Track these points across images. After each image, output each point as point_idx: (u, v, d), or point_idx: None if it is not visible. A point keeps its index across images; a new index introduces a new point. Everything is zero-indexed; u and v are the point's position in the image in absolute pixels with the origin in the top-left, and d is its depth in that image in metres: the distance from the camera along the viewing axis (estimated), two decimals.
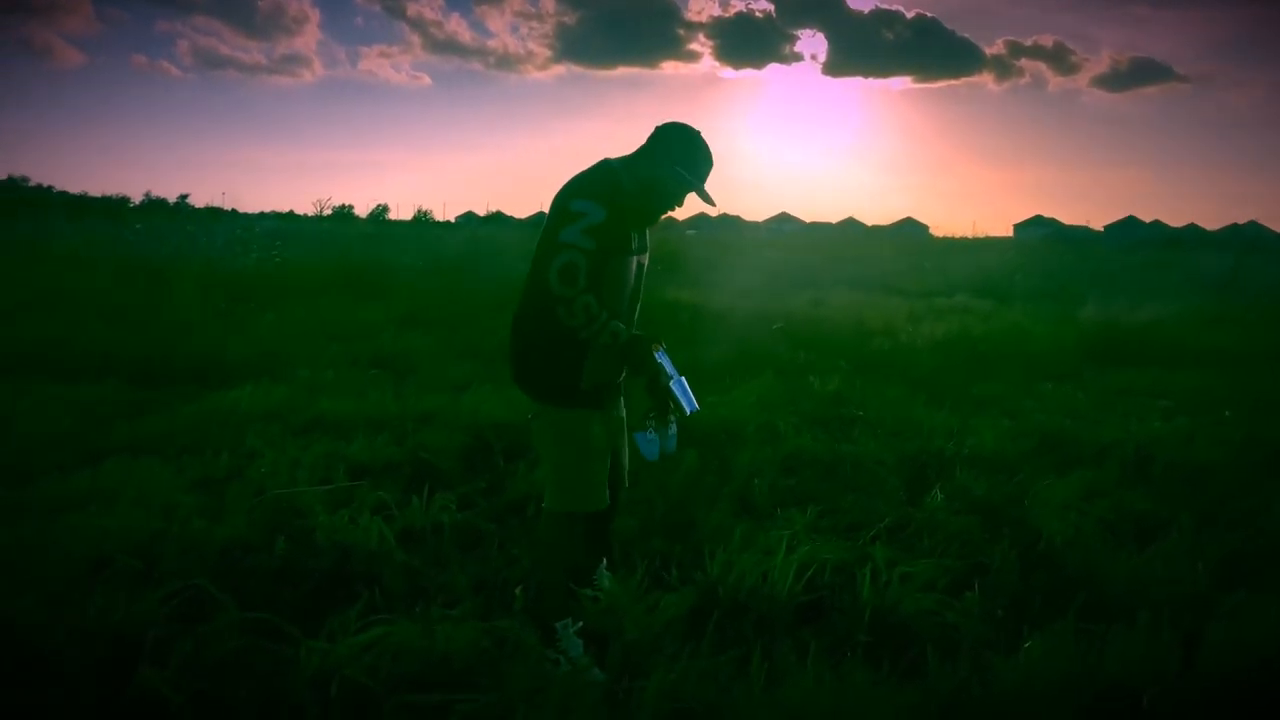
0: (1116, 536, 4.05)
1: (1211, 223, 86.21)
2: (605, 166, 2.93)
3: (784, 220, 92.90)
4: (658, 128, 2.95)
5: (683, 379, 3.00)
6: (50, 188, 70.71)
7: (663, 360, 2.98)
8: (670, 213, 3.04)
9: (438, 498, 4.12)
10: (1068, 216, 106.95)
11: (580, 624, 3.05)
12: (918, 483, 4.78)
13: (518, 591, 3.31)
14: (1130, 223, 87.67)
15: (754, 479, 4.58)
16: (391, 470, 4.69)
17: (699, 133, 2.93)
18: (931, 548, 3.84)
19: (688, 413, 2.99)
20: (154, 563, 3.41)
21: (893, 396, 6.54)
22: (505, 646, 2.92)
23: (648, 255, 3.06)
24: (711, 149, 2.97)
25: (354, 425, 5.38)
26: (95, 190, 74.75)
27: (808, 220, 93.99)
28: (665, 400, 3.00)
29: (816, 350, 8.75)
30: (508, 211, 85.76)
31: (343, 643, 2.75)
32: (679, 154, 2.88)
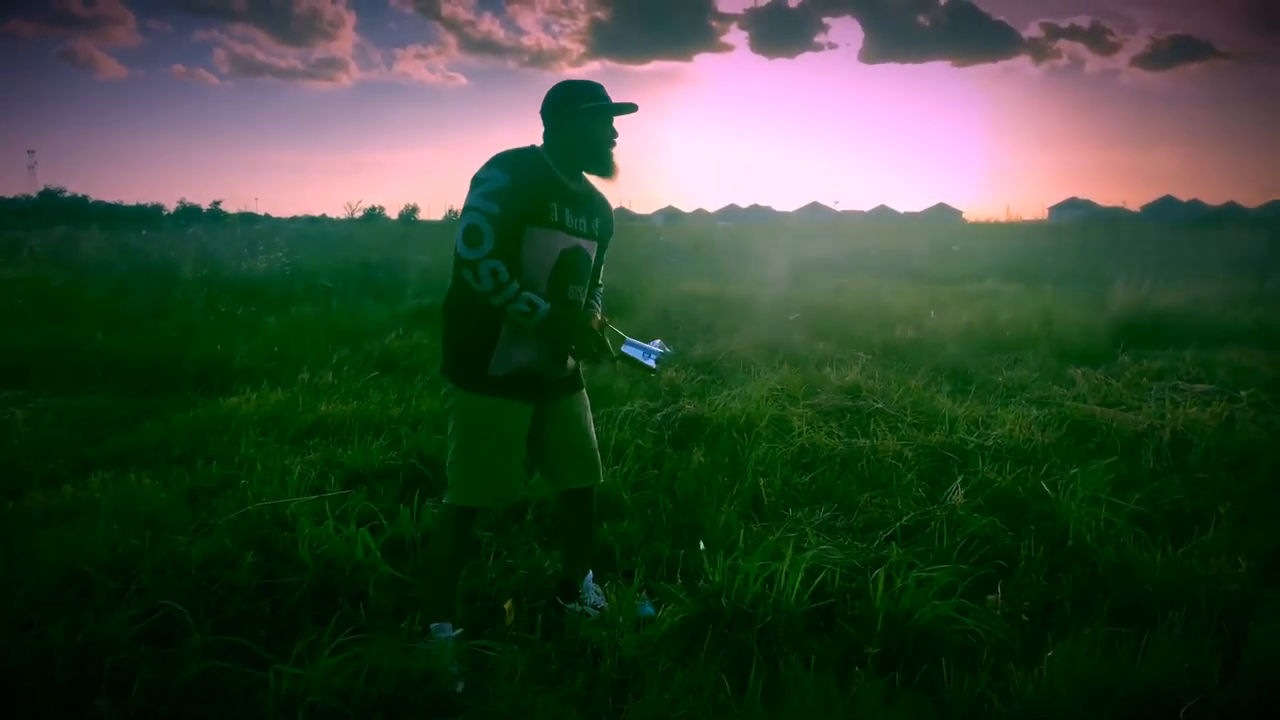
0: (1151, 531, 3.79)
1: (1252, 200, 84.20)
2: (523, 147, 2.91)
3: (815, 209, 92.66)
4: (543, 101, 2.93)
5: (632, 340, 3.02)
6: (86, 197, 71.74)
7: (616, 332, 3.00)
8: (614, 164, 2.96)
9: (429, 505, 3.93)
10: (1103, 198, 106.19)
11: (459, 631, 2.90)
12: (939, 477, 4.54)
13: (507, 606, 3.12)
14: (1168, 203, 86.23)
15: (763, 478, 4.36)
16: (386, 476, 4.51)
17: (570, 79, 2.95)
18: (951, 548, 3.60)
19: (653, 370, 3.02)
20: (130, 580, 3.26)
21: (914, 387, 6.29)
22: (489, 666, 2.74)
23: (595, 244, 3.01)
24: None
25: (352, 430, 5.20)
26: (130, 200, 75.86)
27: (839, 209, 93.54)
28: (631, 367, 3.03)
29: (835, 340, 8.50)
30: None
31: (312, 666, 2.57)
32: (570, 100, 2.88)
